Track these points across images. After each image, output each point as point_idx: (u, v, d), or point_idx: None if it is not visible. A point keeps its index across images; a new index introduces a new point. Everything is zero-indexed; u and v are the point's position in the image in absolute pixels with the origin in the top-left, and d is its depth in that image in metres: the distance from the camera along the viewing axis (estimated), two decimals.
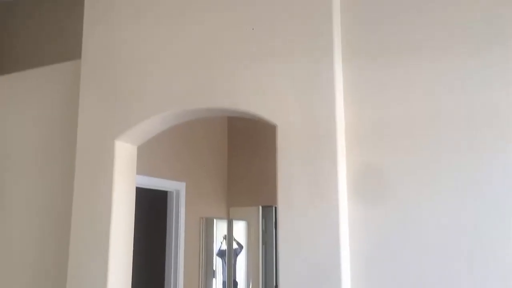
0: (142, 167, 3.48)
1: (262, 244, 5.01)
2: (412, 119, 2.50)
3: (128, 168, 3.24)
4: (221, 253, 5.01)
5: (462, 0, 2.51)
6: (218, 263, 4.98)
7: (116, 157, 3.14)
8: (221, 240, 5.03)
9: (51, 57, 4.18)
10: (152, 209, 4.51)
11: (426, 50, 2.54)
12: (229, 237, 5.08)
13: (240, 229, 5.16)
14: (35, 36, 4.60)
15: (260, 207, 4.94)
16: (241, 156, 4.87)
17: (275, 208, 4.53)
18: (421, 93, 2.52)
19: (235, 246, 5.13)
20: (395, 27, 2.62)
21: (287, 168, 2.58)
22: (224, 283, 5.06)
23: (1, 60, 4.71)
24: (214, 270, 4.91)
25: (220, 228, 4.95)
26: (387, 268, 2.44)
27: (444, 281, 2.32)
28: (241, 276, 5.20)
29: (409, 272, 2.40)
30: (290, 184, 2.56)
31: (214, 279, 4.93)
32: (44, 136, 3.58)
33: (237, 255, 5.14)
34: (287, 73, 2.67)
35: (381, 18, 2.66)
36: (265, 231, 5.00)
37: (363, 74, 2.63)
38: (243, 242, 5.17)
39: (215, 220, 4.82)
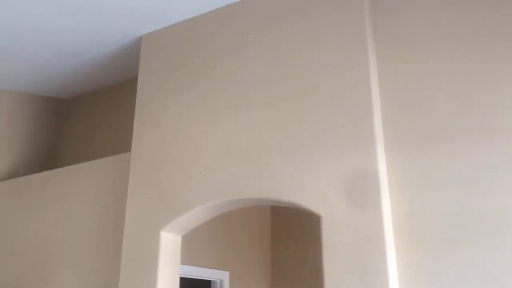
0: (185, 257, 3.49)
1: None
2: (463, 211, 2.43)
3: (172, 258, 3.25)
4: None
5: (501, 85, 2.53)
6: None
7: (161, 247, 3.17)
8: None
9: (103, 150, 4.43)
10: None
11: (472, 135, 2.52)
12: None
13: None
14: (88, 131, 4.92)
15: None
16: (285, 244, 4.80)
17: None
18: (472, 183, 2.46)
19: None
20: (435, 113, 2.64)
21: (334, 264, 2.52)
22: None
23: (57, 154, 5.03)
24: None
25: None
26: None
27: None
28: None
29: None
30: (338, 282, 2.47)
31: None
32: (95, 225, 3.69)
33: None
34: (330, 164, 2.70)
35: (419, 102, 2.70)
36: None
37: (407, 163, 2.63)
38: None
39: None
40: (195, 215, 3.22)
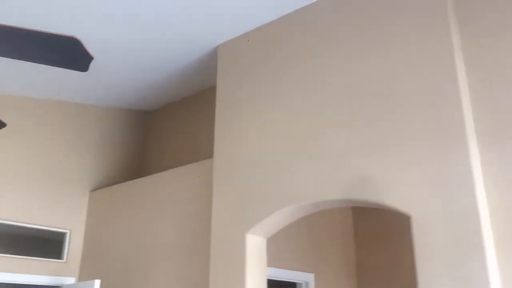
0: (271, 259, 3.52)
1: None
2: None
3: (259, 260, 3.31)
4: None
5: None
6: None
7: (248, 250, 3.24)
8: None
9: (185, 157, 4.62)
10: None
11: None
12: None
13: None
14: (170, 140, 5.15)
15: None
16: (369, 245, 4.69)
17: None
18: None
19: None
20: None
21: (428, 266, 2.42)
22: None
23: (144, 162, 5.32)
24: None
25: None
26: None
27: None
28: None
29: None
30: (433, 284, 2.37)
31: None
32: (182, 227, 3.85)
33: None
34: (420, 163, 2.61)
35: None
36: None
37: (502, 159, 2.47)
38: None
39: None
40: (279, 218, 3.25)
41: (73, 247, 4.52)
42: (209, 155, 3.95)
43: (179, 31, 3.71)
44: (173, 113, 5.22)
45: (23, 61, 3.62)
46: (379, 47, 3.00)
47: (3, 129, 2.19)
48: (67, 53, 1.53)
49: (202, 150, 4.49)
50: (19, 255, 4.19)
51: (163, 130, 5.28)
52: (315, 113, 3.18)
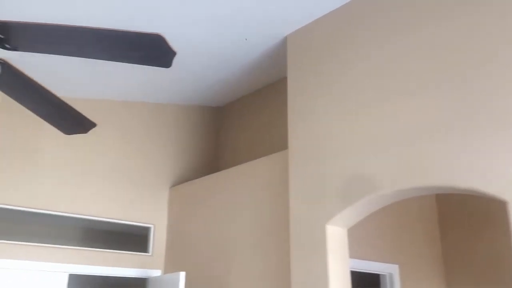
0: (352, 250, 3.44)
1: None
2: None
3: (340, 252, 3.24)
4: None
5: None
6: None
7: (328, 241, 3.19)
8: None
9: (261, 150, 4.64)
10: None
11: None
12: None
13: None
14: (243, 134, 5.20)
15: None
16: (456, 234, 4.43)
17: None
18: None
19: None
20: None
21: None
22: None
23: (218, 157, 5.43)
24: None
25: None
26: None
27: None
28: None
29: None
30: None
31: None
32: (260, 220, 3.88)
33: None
34: None
35: None
36: None
37: None
38: None
39: None
40: (359, 208, 3.16)
41: (158, 241, 4.72)
42: (283, 146, 3.93)
43: (249, 23, 3.71)
44: (245, 107, 5.27)
45: (110, 68, 3.82)
46: (461, 30, 2.80)
47: (93, 129, 2.31)
48: (152, 50, 1.57)
49: (275, 142, 4.49)
50: (109, 249, 4.45)
51: (235, 124, 5.35)
52: (393, 98, 3.04)
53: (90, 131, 2.37)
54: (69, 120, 2.19)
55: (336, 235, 3.25)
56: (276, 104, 4.71)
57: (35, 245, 4.03)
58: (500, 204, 2.48)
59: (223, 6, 3.38)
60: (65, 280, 4.10)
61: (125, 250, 4.53)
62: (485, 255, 4.21)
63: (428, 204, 4.54)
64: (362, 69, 3.29)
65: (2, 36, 1.69)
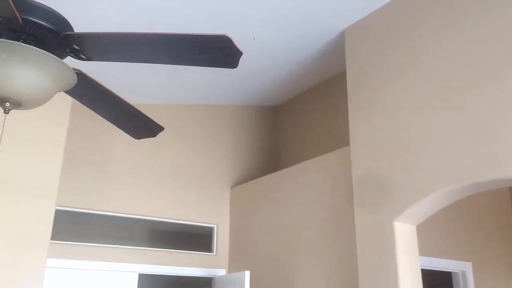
0: (422, 247, 3.32)
1: None
2: None
3: (410, 249, 3.14)
4: None
5: None
6: None
7: (397, 238, 3.09)
8: None
9: (319, 148, 4.59)
10: None
11: None
12: None
13: None
14: (302, 131, 5.18)
15: None
16: None
17: None
18: None
19: None
20: None
21: None
22: None
23: (279, 156, 5.43)
24: None
25: None
26: None
27: None
28: None
29: None
30: None
31: None
32: (322, 218, 3.84)
33: None
34: None
35: None
36: None
37: None
38: None
39: None
40: (429, 203, 3.04)
41: (221, 240, 4.80)
42: (344, 143, 3.86)
43: (305, 18, 3.68)
44: (303, 104, 5.24)
45: (173, 75, 3.92)
46: None
47: (161, 133, 2.38)
48: (219, 51, 1.59)
49: (335, 139, 4.43)
50: (175, 249, 4.57)
51: (294, 122, 5.33)
52: (459, 87, 2.90)
53: (160, 135, 2.45)
54: (139, 125, 2.27)
55: (404, 232, 3.15)
56: (334, 100, 4.64)
57: (107, 247, 4.22)
58: None
59: (279, 2, 3.37)
60: (135, 280, 4.27)
61: (190, 250, 4.64)
62: None
63: (501, 197, 4.30)
64: (425, 61, 3.16)
65: (77, 47, 1.78)
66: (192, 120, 5.03)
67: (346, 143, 3.75)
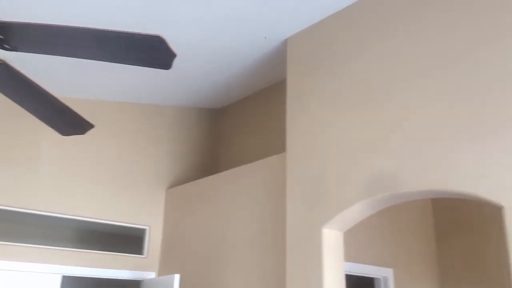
0: (347, 254, 3.45)
1: None
2: None
3: (336, 255, 3.25)
4: None
5: None
6: None
7: (324, 244, 3.19)
8: None
9: (258, 152, 4.64)
10: None
11: None
12: None
13: None
14: (241, 136, 5.21)
15: None
16: (451, 238, 4.45)
17: None
18: None
19: None
20: None
21: None
22: None
23: (217, 160, 5.42)
24: None
25: None
26: None
27: None
28: None
29: None
30: None
31: None
32: (257, 222, 3.87)
33: None
34: (509, 150, 2.42)
35: None
36: None
37: None
38: None
39: None
40: (356, 211, 3.17)
41: (153, 243, 4.70)
42: (282, 149, 3.93)
43: (249, 26, 3.72)
44: (243, 109, 5.27)
45: (108, 69, 3.81)
46: (460, 29, 2.82)
47: (90, 130, 2.30)
48: (152, 51, 1.57)
49: (274, 145, 4.49)
50: (105, 251, 4.43)
51: (234, 127, 5.35)
52: (391, 100, 3.05)
53: (87, 133, 2.37)
54: (67, 121, 2.19)
55: (332, 238, 3.26)
56: (276, 106, 4.71)
57: (29, 246, 4.01)
58: (496, 209, 2.49)
59: (224, 7, 3.39)
60: (58, 282, 4.08)
61: (119, 252, 4.51)
62: (480, 259, 4.23)
63: (424, 208, 4.56)
64: (360, 71, 3.30)
65: (1, 37, 1.68)
66: (129, 118, 4.90)
67: (284, 149, 3.82)
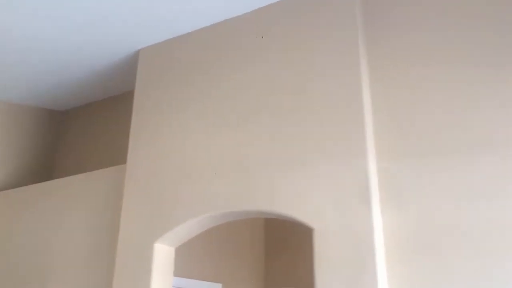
0: (179, 269, 3.50)
1: None
2: (454, 225, 2.46)
3: (165, 270, 3.27)
4: None
5: None
6: None
7: (155, 259, 3.19)
8: None
9: (99, 162, 4.45)
10: None
11: (463, 150, 2.57)
12: None
13: None
14: (84, 143, 4.94)
15: None
16: (278, 256, 4.81)
17: None
18: (463, 197, 2.49)
19: None
20: (428, 127, 2.70)
21: (325, 277, 2.55)
22: None
23: (54, 166, 5.04)
24: None
25: None
26: None
27: None
28: None
29: None
30: None
31: None
32: (90, 237, 3.68)
33: None
34: (323, 178, 2.74)
35: (413, 120, 2.75)
36: None
37: (399, 176, 2.67)
38: None
39: None
40: (188, 228, 3.24)
41: None
42: (124, 161, 3.84)
43: (104, 30, 3.61)
44: (89, 115, 5.02)
45: None
46: (294, 61, 3.13)
47: None
48: None
49: (117, 156, 4.36)
50: None
51: (76, 133, 5.04)
52: (231, 125, 3.22)
53: None
54: None
55: (163, 253, 3.27)
56: (123, 117, 4.58)
57: None
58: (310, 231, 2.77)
59: (81, 8, 3.24)
60: None
61: None
62: (297, 276, 4.62)
63: (256, 228, 4.86)
64: (206, 94, 3.42)
65: None
66: None
67: (125, 161, 3.73)
